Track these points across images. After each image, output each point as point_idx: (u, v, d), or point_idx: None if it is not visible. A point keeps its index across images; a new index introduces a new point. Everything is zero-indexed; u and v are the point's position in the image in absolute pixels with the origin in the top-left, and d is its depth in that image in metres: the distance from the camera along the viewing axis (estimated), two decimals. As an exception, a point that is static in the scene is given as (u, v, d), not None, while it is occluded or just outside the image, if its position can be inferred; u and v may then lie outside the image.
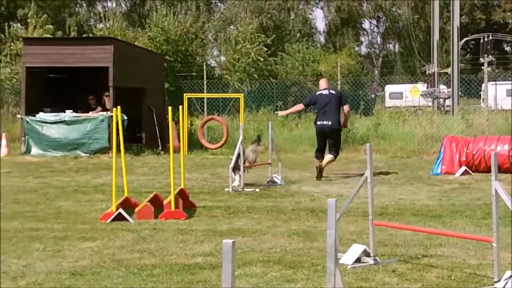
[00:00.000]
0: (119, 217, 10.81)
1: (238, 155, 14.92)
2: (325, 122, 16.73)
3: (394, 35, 77.68)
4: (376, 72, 73.66)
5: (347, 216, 10.50)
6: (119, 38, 34.91)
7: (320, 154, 16.90)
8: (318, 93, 17.33)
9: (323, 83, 17.76)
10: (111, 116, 16.66)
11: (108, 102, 23.77)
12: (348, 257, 8.07)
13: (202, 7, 58.48)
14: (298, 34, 59.02)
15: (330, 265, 5.67)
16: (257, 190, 14.63)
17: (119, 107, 11.68)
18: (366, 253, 8.12)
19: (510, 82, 44.68)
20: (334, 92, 17.46)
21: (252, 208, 12.26)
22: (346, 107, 17.13)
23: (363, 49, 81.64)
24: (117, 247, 9.03)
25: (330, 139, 16.89)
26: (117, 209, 10.91)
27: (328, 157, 16.74)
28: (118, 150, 11.72)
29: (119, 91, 23.71)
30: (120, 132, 11.54)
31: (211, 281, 7.28)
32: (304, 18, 66.51)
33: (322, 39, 77.40)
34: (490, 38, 39.88)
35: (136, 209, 11.31)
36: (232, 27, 55.30)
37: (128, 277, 7.51)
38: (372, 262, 8.01)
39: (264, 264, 8.02)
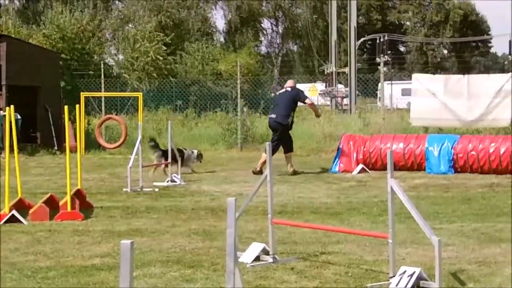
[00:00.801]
0: (13, 219, 10.56)
1: (163, 151, 16.03)
2: (271, 115, 17.53)
3: (293, 35, 78.29)
4: (276, 71, 74.13)
5: (247, 215, 10.52)
6: (13, 35, 34.09)
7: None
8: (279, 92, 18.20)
9: (288, 83, 18.53)
10: (4, 115, 16.27)
11: (0, 101, 23.20)
12: (247, 256, 8.10)
13: (99, 4, 57.64)
14: (198, 33, 58.82)
15: (230, 264, 5.67)
16: (156, 189, 14.54)
17: (12, 106, 11.42)
18: (265, 252, 8.17)
19: (405, 81, 45.70)
20: (290, 90, 17.92)
21: (151, 208, 12.18)
22: (307, 101, 17.98)
23: (263, 49, 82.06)
24: (10, 250, 8.83)
25: (275, 133, 17.47)
26: (10, 211, 10.65)
27: (262, 156, 16.98)
28: (12, 150, 11.45)
29: (12, 89, 23.21)
30: (14, 132, 11.27)
31: (109, 283, 7.19)
32: (203, 17, 66.34)
33: (222, 38, 77.44)
34: (386, 38, 40.70)
35: (31, 211, 11.07)
36: (130, 25, 54.72)
37: (21, 280, 7.35)
38: (271, 260, 8.06)
39: (163, 264, 7.98)
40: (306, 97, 17.93)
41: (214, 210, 11.89)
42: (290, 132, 17.77)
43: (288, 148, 17.52)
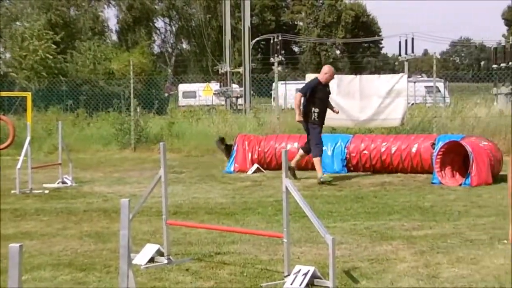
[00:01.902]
0: None
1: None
2: None
3: (187, 34, 78.22)
4: (170, 71, 73.92)
5: (140, 216, 10.44)
6: None
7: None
8: None
9: None
10: None
11: None
12: (141, 257, 8.03)
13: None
14: (89, 32, 58.03)
15: (123, 266, 5.61)
16: (46, 191, 14.28)
17: None
18: (159, 253, 8.12)
19: (299, 81, 46.20)
20: None
21: (41, 210, 11.93)
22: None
23: (157, 48, 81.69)
24: None
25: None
26: None
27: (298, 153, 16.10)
28: None
29: None
30: None
31: (-3, 288, 7.02)
32: (95, 15, 65.51)
33: (114, 37, 76.70)
34: (280, 38, 41.00)
35: None
36: (18, 23, 53.49)
37: None
38: (166, 261, 8.02)
39: (53, 268, 7.83)
40: (299, 91, 16.25)
41: (107, 211, 11.75)
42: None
43: (313, 150, 15.60)
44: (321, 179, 15.02)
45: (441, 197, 12.99)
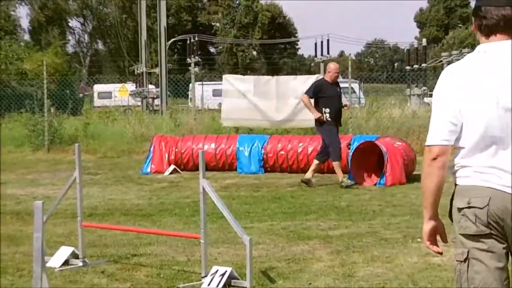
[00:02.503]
0: None
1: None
2: None
3: (102, 34, 77.41)
4: (84, 71, 73.03)
5: (55, 218, 10.26)
6: None
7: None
8: None
9: None
10: None
11: None
12: (55, 260, 7.92)
13: None
14: (0, 31, 56.89)
15: (37, 269, 5.52)
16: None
17: None
18: (74, 255, 8.02)
19: (216, 82, 46.24)
20: None
21: (-49, 214, 11.63)
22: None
23: (71, 48, 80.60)
24: None
25: None
26: None
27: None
28: None
29: None
30: None
31: None
32: (7, 14, 64.34)
33: (27, 36, 75.43)
34: (196, 39, 40.97)
35: None
36: None
37: None
38: (81, 264, 7.92)
39: (-35, 272, 7.64)
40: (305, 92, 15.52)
41: (19, 214, 11.53)
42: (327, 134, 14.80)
43: (332, 154, 14.69)
44: (343, 184, 14.37)
45: (356, 197, 13.15)
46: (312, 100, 14.92)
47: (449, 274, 7.22)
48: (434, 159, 3.86)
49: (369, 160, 15.28)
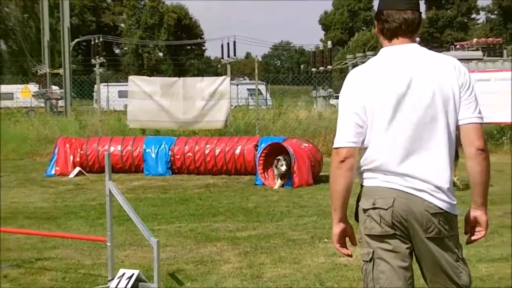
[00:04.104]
0: None
1: None
2: None
3: (4, 34, 75.72)
4: (-15, 72, 71.37)
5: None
6: None
7: None
8: None
9: None
10: None
11: None
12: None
13: None
14: None
15: None
16: None
17: None
18: (-24, 260, 7.83)
19: (122, 83, 45.81)
20: None
21: None
22: None
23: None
24: None
25: None
26: None
27: None
28: None
29: None
30: None
31: None
32: None
33: None
34: (101, 40, 40.43)
35: None
36: None
37: None
38: (-17, 269, 7.75)
39: None
40: None
41: None
42: None
43: None
44: None
45: (264, 198, 13.23)
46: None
47: (356, 274, 7.33)
48: (342, 161, 3.89)
49: (275, 158, 15.37)
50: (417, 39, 4.13)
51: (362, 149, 3.95)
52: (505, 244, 8.68)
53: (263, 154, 15.19)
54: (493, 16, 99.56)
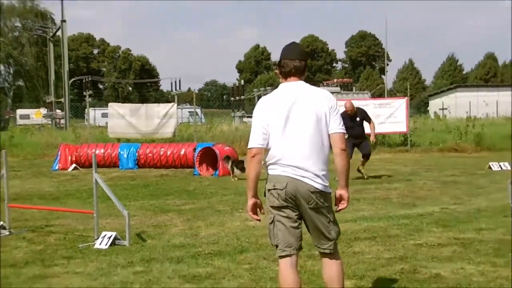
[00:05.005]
0: None
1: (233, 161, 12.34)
2: None
3: (23, 75, 73.35)
4: (9, 100, 69.07)
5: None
6: None
7: None
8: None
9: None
10: None
11: None
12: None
13: None
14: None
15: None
16: None
17: None
18: (2, 227, 7.55)
19: (104, 108, 44.94)
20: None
21: None
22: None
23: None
24: None
25: None
26: None
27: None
28: None
29: None
30: None
31: None
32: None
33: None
34: (90, 79, 39.66)
35: None
36: None
37: None
38: (7, 233, 7.47)
39: None
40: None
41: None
42: None
43: None
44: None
45: (200, 183, 13.13)
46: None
47: (260, 232, 7.35)
48: (253, 157, 3.94)
49: (208, 159, 15.32)
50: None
51: (267, 150, 3.99)
52: (356, 210, 8.81)
53: (199, 154, 15.11)
54: (346, 65, 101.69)
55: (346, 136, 12.59)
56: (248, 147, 3.99)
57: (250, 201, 4.04)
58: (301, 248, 4.03)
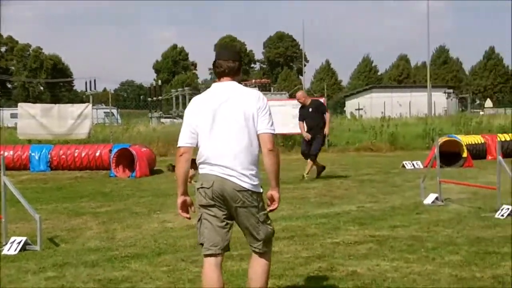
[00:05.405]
0: None
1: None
2: None
3: None
4: None
5: None
6: None
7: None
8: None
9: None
10: None
11: None
12: None
13: None
14: None
15: None
16: None
17: None
18: None
19: (13, 108, 43.13)
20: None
21: None
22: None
23: None
24: None
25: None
26: None
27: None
28: None
29: None
30: None
31: None
32: None
33: None
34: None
35: None
36: None
37: None
38: None
39: None
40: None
41: None
42: None
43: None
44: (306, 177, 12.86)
45: (116, 185, 12.86)
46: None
47: (178, 234, 7.31)
48: (181, 155, 4.02)
49: (125, 160, 15.05)
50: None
51: (198, 149, 4.04)
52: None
53: (115, 156, 14.81)
54: (264, 66, 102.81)
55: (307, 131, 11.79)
56: (178, 145, 4.05)
57: (180, 199, 4.08)
58: (228, 249, 4.07)
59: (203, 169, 4.01)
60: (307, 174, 12.99)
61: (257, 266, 4.08)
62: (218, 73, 4.13)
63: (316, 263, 5.79)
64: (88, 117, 19.43)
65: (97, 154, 15.94)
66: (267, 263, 4.11)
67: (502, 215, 7.79)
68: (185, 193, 4.07)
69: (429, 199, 9.16)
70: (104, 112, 38.33)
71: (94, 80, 47.24)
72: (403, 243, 6.52)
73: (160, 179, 13.89)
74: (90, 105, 19.92)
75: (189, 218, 4.15)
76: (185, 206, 4.09)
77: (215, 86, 4.12)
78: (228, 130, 3.94)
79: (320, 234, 7.13)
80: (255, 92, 4.10)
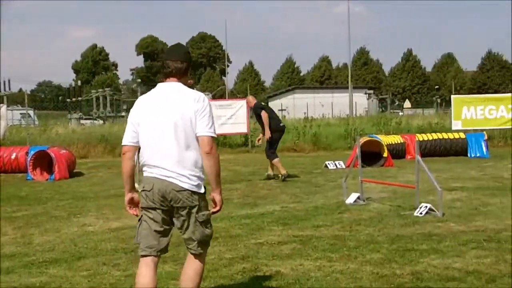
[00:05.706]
0: None
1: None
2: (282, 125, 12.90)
3: None
4: None
5: None
6: None
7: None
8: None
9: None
10: None
11: None
12: None
13: None
14: None
15: None
16: None
17: None
18: None
19: None
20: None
21: None
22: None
23: None
24: None
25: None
26: None
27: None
28: None
29: None
30: None
31: None
32: None
33: None
34: None
35: None
36: None
37: None
38: None
39: None
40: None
41: None
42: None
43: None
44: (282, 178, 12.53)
45: (33, 189, 12.41)
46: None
47: (98, 237, 7.15)
48: (124, 153, 4.05)
49: (42, 162, 14.54)
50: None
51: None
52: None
53: (32, 158, 14.30)
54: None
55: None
56: (122, 143, 4.08)
57: (127, 196, 4.14)
58: (165, 251, 4.12)
59: (144, 172, 4.05)
60: (272, 172, 12.92)
61: (190, 267, 4.11)
62: (165, 73, 4.11)
63: (240, 264, 5.81)
64: (2, 118, 18.71)
65: (13, 156, 15.31)
66: (201, 265, 4.13)
67: (421, 213, 8.09)
68: (131, 190, 4.13)
69: (351, 198, 9.39)
70: (20, 114, 36.93)
71: (9, 81, 45.41)
72: (326, 243, 6.64)
73: (80, 182, 13.53)
74: (5, 106, 19.24)
75: (137, 215, 4.14)
76: (133, 203, 4.14)
77: (160, 86, 4.12)
78: (166, 132, 3.94)
79: (244, 235, 7.16)
80: (195, 94, 4.07)
